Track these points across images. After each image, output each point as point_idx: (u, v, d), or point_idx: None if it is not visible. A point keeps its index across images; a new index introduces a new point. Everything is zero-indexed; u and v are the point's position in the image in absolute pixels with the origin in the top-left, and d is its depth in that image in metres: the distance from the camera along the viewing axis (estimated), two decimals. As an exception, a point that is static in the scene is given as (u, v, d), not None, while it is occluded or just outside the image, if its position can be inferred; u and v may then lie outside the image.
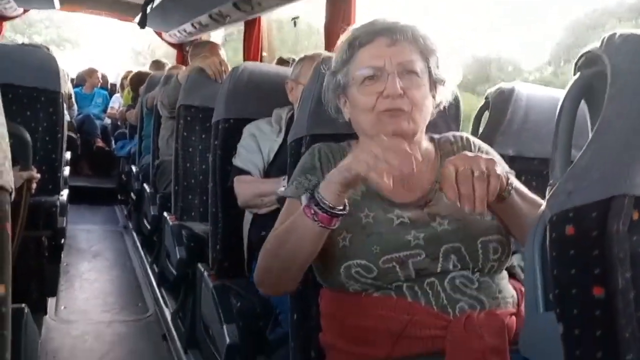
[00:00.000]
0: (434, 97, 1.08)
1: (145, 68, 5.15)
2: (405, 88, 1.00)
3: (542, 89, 1.68)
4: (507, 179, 0.90)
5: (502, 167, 0.89)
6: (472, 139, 1.17)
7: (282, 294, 1.15)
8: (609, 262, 0.57)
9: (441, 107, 1.13)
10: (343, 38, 1.09)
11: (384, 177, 0.84)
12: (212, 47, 3.01)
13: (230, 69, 1.94)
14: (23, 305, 0.94)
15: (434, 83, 1.07)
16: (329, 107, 1.15)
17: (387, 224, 1.00)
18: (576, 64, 0.72)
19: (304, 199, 0.93)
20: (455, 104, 1.30)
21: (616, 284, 0.57)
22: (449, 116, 1.32)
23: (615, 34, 0.64)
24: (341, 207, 0.91)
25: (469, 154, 0.87)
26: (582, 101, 0.71)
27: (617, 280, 0.56)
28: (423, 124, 1.07)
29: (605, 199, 0.58)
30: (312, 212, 0.91)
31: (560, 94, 1.75)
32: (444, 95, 1.11)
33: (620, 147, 0.58)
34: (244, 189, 1.65)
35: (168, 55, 5.83)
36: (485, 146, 1.17)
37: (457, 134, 1.19)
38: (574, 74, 0.72)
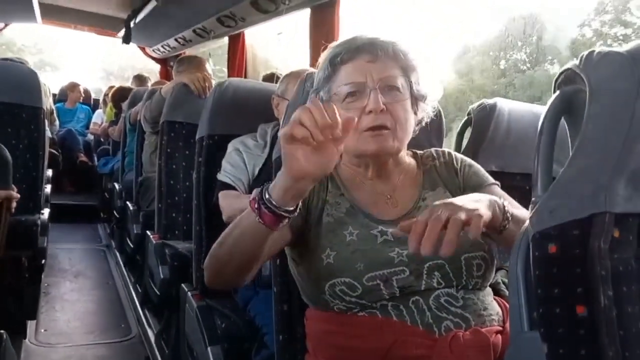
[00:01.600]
0: (415, 113, 1.09)
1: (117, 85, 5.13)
2: (387, 104, 1.00)
3: (524, 105, 1.71)
4: (504, 211, 0.89)
5: (490, 203, 0.88)
6: (455, 154, 1.18)
7: (223, 287, 1.08)
8: (591, 281, 0.57)
9: (423, 124, 1.14)
10: (324, 55, 1.09)
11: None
12: (198, 62, 3.01)
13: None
14: (2, 331, 0.92)
15: (416, 99, 1.07)
16: None
17: (370, 241, 0.99)
18: (556, 81, 0.72)
19: (254, 192, 0.89)
20: (437, 120, 1.31)
21: (598, 302, 0.56)
22: (431, 131, 1.32)
23: (593, 51, 0.65)
24: (288, 208, 0.85)
25: (457, 202, 0.82)
26: (563, 118, 0.72)
27: (600, 299, 0.56)
28: (406, 141, 1.07)
29: (586, 216, 0.58)
30: (256, 206, 0.86)
31: (541, 110, 1.78)
32: (426, 112, 1.12)
33: (599, 165, 0.58)
34: (229, 204, 1.63)
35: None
36: (468, 160, 1.17)
37: (440, 149, 1.19)
38: (554, 92, 0.72)
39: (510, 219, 0.90)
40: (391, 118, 1.01)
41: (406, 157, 1.14)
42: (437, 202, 0.83)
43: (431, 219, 0.77)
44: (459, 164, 1.14)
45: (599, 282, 0.57)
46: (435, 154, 1.17)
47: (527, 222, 0.67)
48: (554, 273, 0.60)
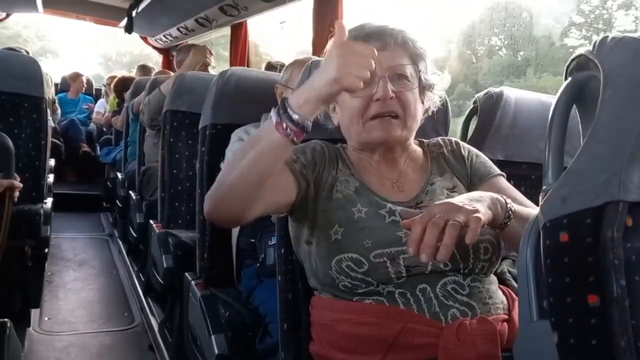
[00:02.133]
0: (422, 102, 1.09)
1: (114, 73, 5.12)
2: (396, 92, 1.01)
3: (530, 94, 1.69)
4: (506, 209, 0.89)
5: (492, 201, 0.88)
6: (462, 143, 1.18)
7: (223, 218, 1.02)
8: (603, 270, 0.56)
9: (429, 113, 1.13)
10: (332, 43, 1.08)
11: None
12: (198, 49, 3.00)
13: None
14: (6, 320, 0.92)
15: (423, 88, 1.07)
16: (318, 113, 1.14)
17: (379, 219, 1.00)
18: (567, 67, 0.71)
19: (273, 115, 0.87)
20: (444, 109, 1.30)
21: (611, 291, 0.56)
22: (437, 121, 1.32)
23: (607, 37, 0.64)
24: (307, 121, 0.85)
25: (456, 202, 0.82)
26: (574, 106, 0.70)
27: (612, 288, 0.55)
28: (414, 129, 1.08)
29: (599, 205, 0.57)
30: (284, 127, 0.85)
31: (547, 98, 1.76)
32: (432, 101, 1.11)
33: (613, 152, 0.57)
34: None
35: (135, 62, 5.85)
36: (474, 150, 1.17)
37: (447, 138, 1.19)
38: (565, 78, 0.71)
39: (512, 216, 0.90)
40: (400, 106, 1.01)
41: (413, 145, 1.13)
42: (436, 203, 0.84)
43: (429, 224, 0.78)
44: (467, 153, 1.15)
45: (611, 271, 0.56)
46: (442, 142, 1.17)
47: (537, 211, 0.66)
48: (565, 262, 0.59)
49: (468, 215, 0.79)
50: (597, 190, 0.58)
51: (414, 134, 1.08)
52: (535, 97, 1.66)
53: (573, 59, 0.70)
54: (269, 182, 0.92)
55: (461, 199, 0.85)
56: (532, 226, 0.66)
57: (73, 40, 9.46)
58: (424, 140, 1.18)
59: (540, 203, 0.65)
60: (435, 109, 1.14)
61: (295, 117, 0.84)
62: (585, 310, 0.57)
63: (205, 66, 2.89)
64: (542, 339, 0.61)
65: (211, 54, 3.01)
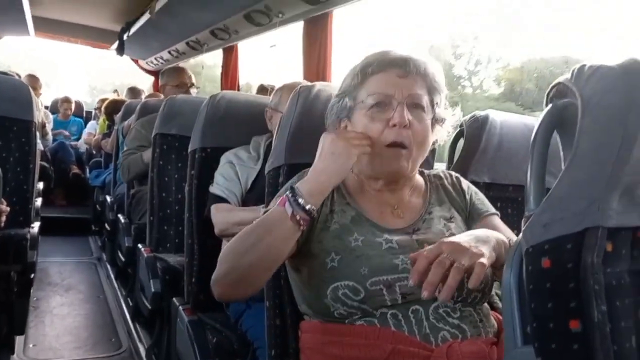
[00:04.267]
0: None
1: (105, 95, 5.16)
2: (410, 120, 1.02)
3: (515, 117, 1.72)
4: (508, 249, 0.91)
5: (497, 243, 0.90)
6: (462, 178, 1.20)
7: (240, 296, 1.12)
8: (584, 295, 0.57)
9: (435, 146, 1.15)
10: (354, 64, 1.11)
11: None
12: (179, 71, 3.04)
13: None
14: None
15: (435, 121, 1.08)
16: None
17: (376, 247, 1.01)
18: (548, 94, 0.73)
19: (288, 207, 0.96)
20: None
21: (592, 317, 0.56)
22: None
23: (584, 65, 0.65)
24: (314, 207, 0.97)
25: (463, 243, 0.85)
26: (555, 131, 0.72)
27: (593, 314, 0.56)
28: (420, 162, 1.09)
29: (579, 231, 0.58)
30: (297, 218, 0.95)
31: (532, 121, 1.79)
32: (440, 135, 1.13)
33: (592, 179, 0.58)
34: (221, 217, 1.62)
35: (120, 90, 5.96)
36: (473, 187, 1.20)
37: (447, 172, 1.22)
38: (546, 105, 0.72)
39: None
40: (411, 136, 1.02)
41: (416, 175, 1.15)
42: (445, 240, 0.85)
43: (436, 262, 0.80)
44: (467, 188, 1.17)
45: (592, 297, 0.56)
46: (443, 175, 1.19)
47: (520, 236, 0.67)
48: (547, 287, 0.59)
49: (474, 259, 0.81)
50: (577, 216, 0.59)
51: (418, 165, 1.09)
52: (520, 120, 1.69)
53: (553, 86, 0.71)
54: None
55: (468, 239, 0.87)
56: (515, 252, 0.67)
57: (63, 72, 10.35)
58: (425, 171, 1.19)
59: (522, 228, 0.66)
60: (442, 144, 1.16)
61: (308, 207, 0.95)
62: (568, 335, 0.57)
63: (187, 87, 2.93)
64: (526, 365, 0.61)
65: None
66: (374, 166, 1.06)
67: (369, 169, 1.07)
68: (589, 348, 0.55)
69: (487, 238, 0.90)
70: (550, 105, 0.72)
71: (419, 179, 1.16)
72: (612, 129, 0.58)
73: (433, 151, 1.40)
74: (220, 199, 1.65)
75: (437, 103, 1.07)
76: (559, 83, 0.70)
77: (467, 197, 1.15)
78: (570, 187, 0.61)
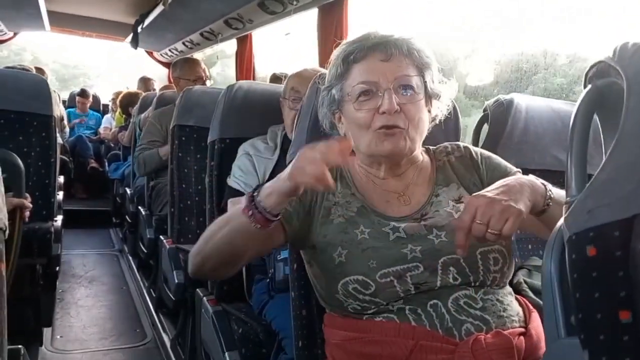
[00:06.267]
0: (429, 111, 1.06)
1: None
2: (401, 104, 0.99)
3: (541, 100, 1.67)
4: (545, 196, 0.90)
5: (533, 189, 0.88)
6: (471, 147, 1.15)
7: (205, 279, 1.12)
8: (634, 284, 0.54)
9: (437, 121, 1.11)
10: (336, 53, 1.07)
11: (328, 180, 0.84)
12: (191, 62, 3.02)
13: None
14: (19, 346, 0.90)
15: (430, 97, 1.05)
16: (324, 123, 1.13)
17: (382, 238, 0.98)
18: (586, 74, 0.69)
19: (244, 200, 0.93)
20: (454, 118, 1.28)
21: (644, 307, 0.53)
22: (448, 129, 1.29)
23: (627, 43, 0.62)
24: (274, 212, 0.91)
25: (497, 199, 0.83)
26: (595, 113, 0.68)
27: (645, 304, 0.53)
28: (419, 140, 1.05)
29: (627, 217, 0.55)
30: (250, 213, 0.91)
31: (558, 104, 1.73)
32: (440, 109, 1.09)
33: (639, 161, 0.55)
34: None
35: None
36: (485, 152, 1.14)
37: (455, 143, 1.16)
38: (584, 86, 0.69)
39: (550, 203, 0.90)
40: (405, 118, 0.99)
41: (420, 154, 1.11)
42: (477, 197, 0.84)
43: (474, 229, 0.82)
44: (478, 157, 1.11)
45: (643, 286, 0.53)
46: (449, 148, 1.14)
47: (561, 223, 0.64)
48: (593, 277, 0.57)
49: (507, 215, 0.81)
50: (624, 201, 0.56)
51: (419, 145, 1.05)
52: (546, 103, 1.64)
53: (593, 66, 0.68)
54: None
55: (501, 192, 0.85)
56: (555, 239, 0.64)
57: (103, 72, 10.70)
58: (431, 148, 1.15)
59: (563, 215, 0.63)
60: (443, 118, 1.12)
61: (261, 204, 0.90)
62: (617, 327, 0.54)
63: (203, 81, 2.92)
64: (571, 356, 0.59)
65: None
66: (371, 149, 1.02)
67: (368, 153, 1.04)
68: (641, 340, 0.53)
69: (521, 187, 0.87)
70: (589, 86, 0.68)
71: (424, 158, 1.11)
72: (662, 108, 0.55)
73: (457, 138, 1.37)
74: (237, 192, 1.64)
75: (428, 79, 1.03)
76: (599, 62, 0.66)
77: (482, 166, 1.09)
78: (617, 170, 0.58)
